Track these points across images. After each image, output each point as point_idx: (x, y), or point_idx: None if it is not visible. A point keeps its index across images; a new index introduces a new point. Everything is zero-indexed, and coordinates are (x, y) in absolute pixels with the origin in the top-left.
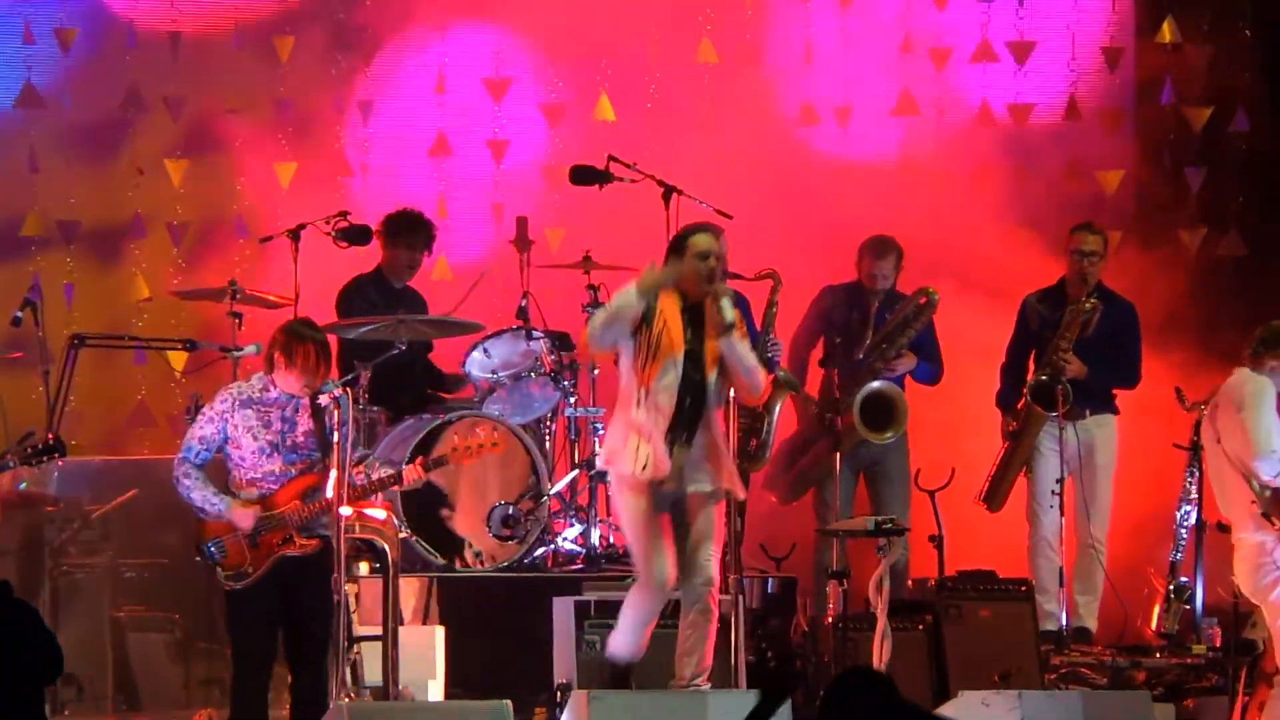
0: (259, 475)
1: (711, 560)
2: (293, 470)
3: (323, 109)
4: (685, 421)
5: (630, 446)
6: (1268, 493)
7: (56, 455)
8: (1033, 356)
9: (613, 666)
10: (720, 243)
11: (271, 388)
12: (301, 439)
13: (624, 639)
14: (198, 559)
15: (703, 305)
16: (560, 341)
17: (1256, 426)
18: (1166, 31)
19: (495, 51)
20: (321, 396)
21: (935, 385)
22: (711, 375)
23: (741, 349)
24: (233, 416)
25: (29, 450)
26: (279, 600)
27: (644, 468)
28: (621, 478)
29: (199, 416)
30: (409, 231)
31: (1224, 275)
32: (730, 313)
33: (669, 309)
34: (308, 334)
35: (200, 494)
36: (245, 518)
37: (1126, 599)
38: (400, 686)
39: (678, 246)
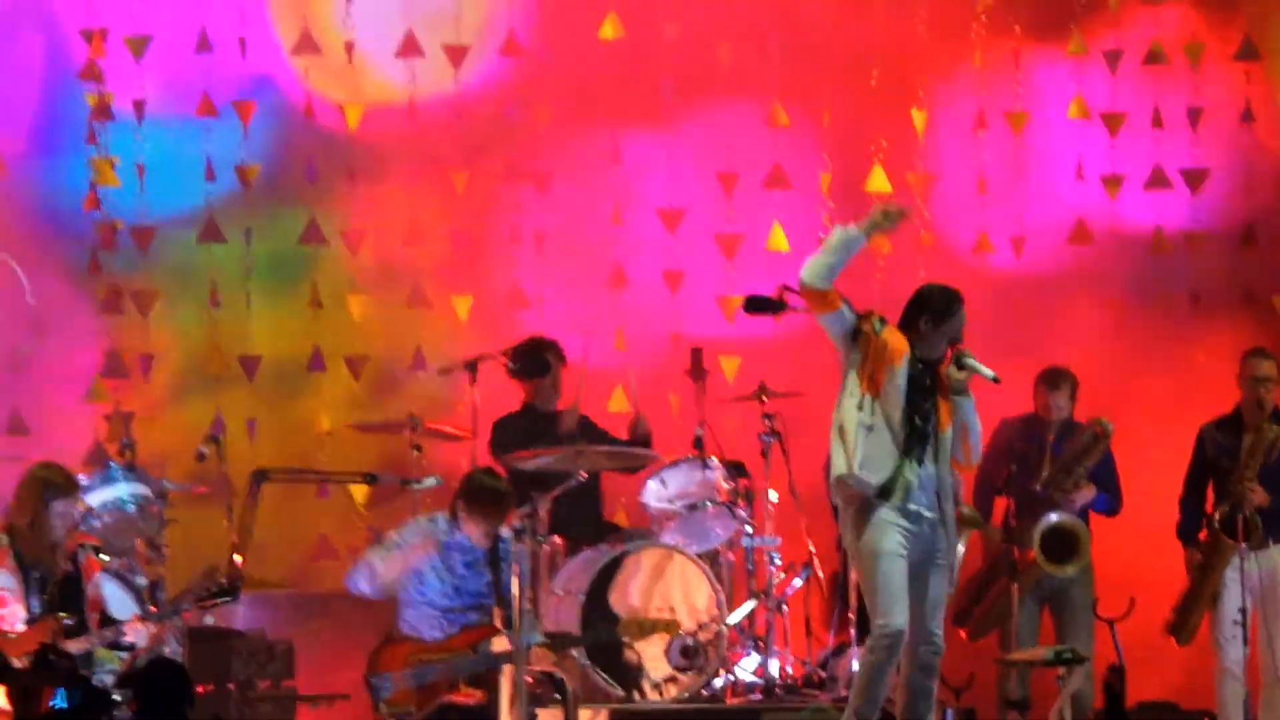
0: (435, 614)
1: (938, 624)
2: (468, 615)
3: (498, 240)
4: (917, 440)
5: (846, 451)
6: None
7: (229, 599)
8: (1211, 486)
9: None
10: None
11: (457, 532)
12: (484, 588)
13: (854, 701)
14: (366, 690)
15: (937, 366)
16: (736, 470)
17: None
18: None
19: (669, 181)
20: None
21: (1114, 516)
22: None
23: (971, 411)
24: (424, 555)
25: (203, 594)
26: None
27: (860, 466)
28: (849, 498)
29: (391, 547)
30: (533, 360)
31: None
32: (967, 370)
33: (895, 339)
34: (489, 483)
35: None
36: None
37: None
38: None
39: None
